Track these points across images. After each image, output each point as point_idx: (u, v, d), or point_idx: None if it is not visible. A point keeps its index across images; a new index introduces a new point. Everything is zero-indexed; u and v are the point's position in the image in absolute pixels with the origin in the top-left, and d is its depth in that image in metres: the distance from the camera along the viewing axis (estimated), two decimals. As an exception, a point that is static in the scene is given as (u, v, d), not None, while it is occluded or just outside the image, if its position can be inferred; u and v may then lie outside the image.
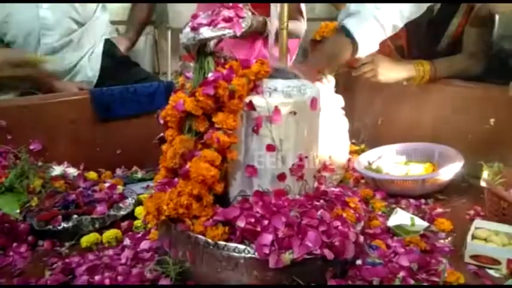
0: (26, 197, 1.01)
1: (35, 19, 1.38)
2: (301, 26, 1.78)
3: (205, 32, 0.74)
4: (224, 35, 0.73)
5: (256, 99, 0.77)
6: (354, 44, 1.14)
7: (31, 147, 1.21)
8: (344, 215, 0.78)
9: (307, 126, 0.82)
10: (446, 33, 1.38)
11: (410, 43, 1.48)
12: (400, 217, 0.97)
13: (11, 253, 0.90)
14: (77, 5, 1.45)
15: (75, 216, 0.97)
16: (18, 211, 0.98)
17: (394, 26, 1.18)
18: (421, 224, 0.95)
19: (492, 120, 1.22)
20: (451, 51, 1.38)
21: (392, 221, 0.96)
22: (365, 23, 1.14)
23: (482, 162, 1.01)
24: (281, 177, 0.80)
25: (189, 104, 0.73)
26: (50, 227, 0.95)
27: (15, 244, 0.92)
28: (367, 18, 1.15)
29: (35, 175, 1.07)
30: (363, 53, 1.17)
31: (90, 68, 1.52)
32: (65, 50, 1.45)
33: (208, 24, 0.75)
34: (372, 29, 1.15)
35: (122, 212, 1.02)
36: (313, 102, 0.81)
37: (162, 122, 0.79)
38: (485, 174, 1.00)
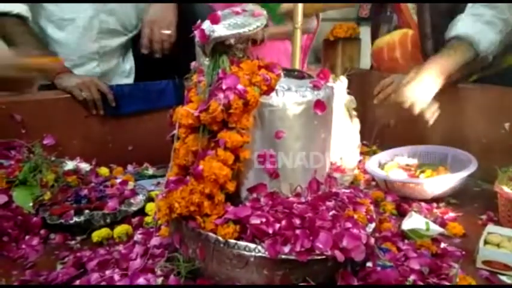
0: (39, 191, 1.03)
1: (95, 21, 1.42)
2: (310, 21, 1.77)
3: (220, 31, 0.74)
4: (239, 33, 0.73)
5: (270, 99, 0.77)
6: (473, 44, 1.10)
7: (44, 141, 1.23)
8: (355, 216, 0.78)
9: (320, 127, 0.82)
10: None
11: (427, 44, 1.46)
12: (415, 221, 0.96)
13: (24, 246, 0.91)
14: (134, 14, 1.49)
15: (87, 211, 0.98)
16: (31, 204, 1.00)
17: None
18: (435, 228, 0.94)
19: (507, 125, 1.20)
20: None
21: (406, 225, 0.95)
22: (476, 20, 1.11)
23: (496, 167, 1.00)
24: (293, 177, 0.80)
25: (203, 118, 0.73)
26: (62, 221, 0.96)
27: (27, 237, 0.94)
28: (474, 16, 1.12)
29: (48, 169, 1.08)
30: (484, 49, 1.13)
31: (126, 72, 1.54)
32: (111, 55, 1.49)
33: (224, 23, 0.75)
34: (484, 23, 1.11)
35: (133, 208, 1.03)
36: (327, 103, 0.81)
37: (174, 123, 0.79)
38: (499, 179, 0.99)
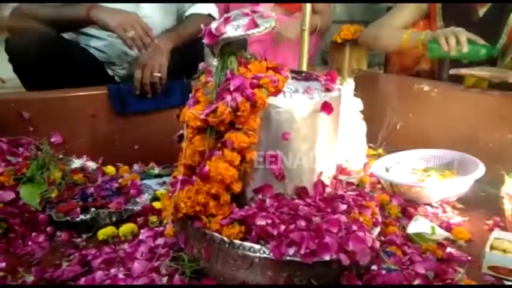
0: (46, 188, 1.03)
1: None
2: (324, 19, 1.81)
3: (229, 32, 0.74)
4: (248, 35, 0.73)
5: (277, 101, 0.77)
6: None
7: (52, 139, 1.24)
8: (361, 219, 0.77)
9: (327, 128, 0.82)
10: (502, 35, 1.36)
11: None
12: (420, 225, 0.95)
13: (30, 243, 0.92)
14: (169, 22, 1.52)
15: (93, 209, 0.99)
16: (38, 202, 1.00)
17: None
18: (441, 233, 0.94)
19: (514, 130, 1.20)
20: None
21: (411, 229, 0.95)
22: None
23: (503, 172, 1.00)
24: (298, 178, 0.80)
25: (211, 120, 0.74)
26: (68, 218, 0.96)
27: (34, 234, 0.94)
28: None
29: (55, 167, 1.08)
30: None
31: None
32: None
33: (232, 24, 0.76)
34: None
35: (139, 207, 1.03)
36: (334, 105, 0.81)
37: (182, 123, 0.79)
38: (505, 184, 0.98)
